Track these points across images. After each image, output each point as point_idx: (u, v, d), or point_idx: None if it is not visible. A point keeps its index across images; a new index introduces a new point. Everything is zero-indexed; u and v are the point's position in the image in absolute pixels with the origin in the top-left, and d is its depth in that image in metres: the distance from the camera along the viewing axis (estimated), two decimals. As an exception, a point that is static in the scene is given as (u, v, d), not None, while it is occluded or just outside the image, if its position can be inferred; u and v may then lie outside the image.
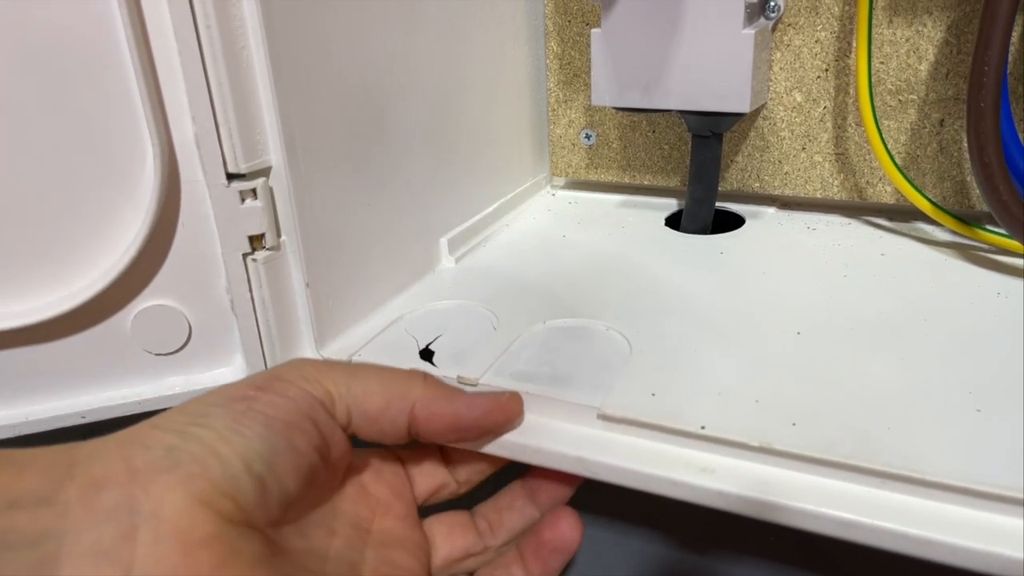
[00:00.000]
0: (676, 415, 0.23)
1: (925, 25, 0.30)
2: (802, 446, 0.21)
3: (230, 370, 0.28)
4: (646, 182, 0.38)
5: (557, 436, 0.23)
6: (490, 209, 0.37)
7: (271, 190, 0.26)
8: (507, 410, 0.23)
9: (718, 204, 0.36)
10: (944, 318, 0.27)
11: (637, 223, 0.36)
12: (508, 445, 0.24)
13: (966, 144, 0.31)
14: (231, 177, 0.25)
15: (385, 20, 0.29)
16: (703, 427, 0.22)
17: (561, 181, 0.41)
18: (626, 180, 0.39)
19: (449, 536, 0.24)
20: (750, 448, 0.21)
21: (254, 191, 0.25)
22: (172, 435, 0.18)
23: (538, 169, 0.41)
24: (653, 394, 0.24)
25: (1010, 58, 0.28)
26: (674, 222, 0.36)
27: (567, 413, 0.24)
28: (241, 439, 0.18)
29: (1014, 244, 0.29)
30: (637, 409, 0.23)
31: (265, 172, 0.26)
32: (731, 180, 0.36)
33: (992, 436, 0.21)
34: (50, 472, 0.16)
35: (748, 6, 0.30)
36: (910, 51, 0.31)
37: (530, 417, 0.24)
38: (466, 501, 0.26)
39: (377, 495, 0.23)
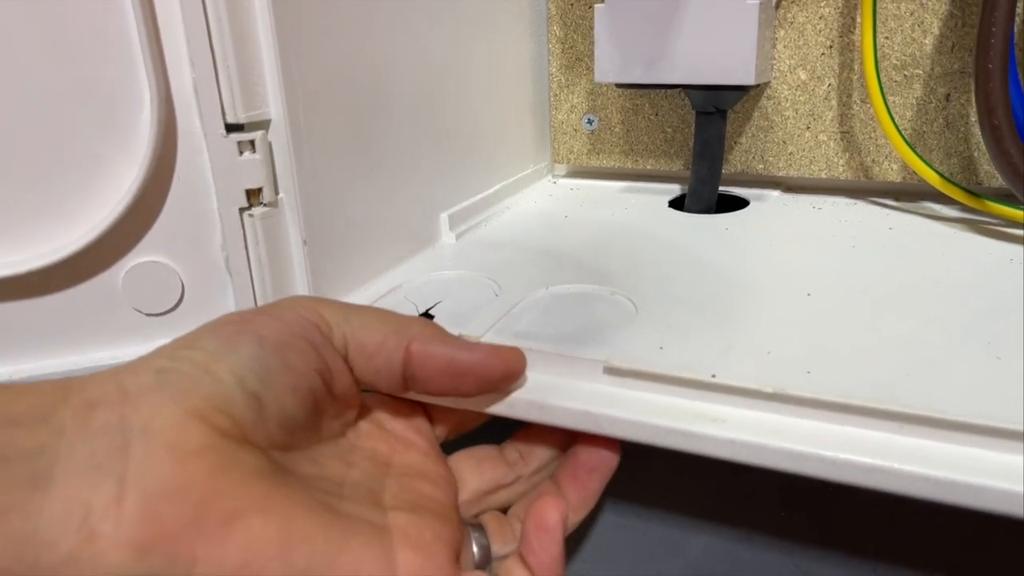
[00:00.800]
0: (685, 366, 0.22)
1: (930, -2, 0.30)
2: (818, 391, 0.20)
3: (223, 333, 0.27)
4: (649, 167, 0.38)
5: (562, 392, 0.22)
6: (491, 190, 0.36)
7: (270, 145, 0.25)
8: (507, 361, 0.22)
9: (721, 188, 0.35)
10: (957, 281, 0.26)
11: (640, 205, 0.36)
12: (512, 402, 0.23)
13: (974, 116, 0.30)
14: (230, 128, 0.24)
15: (388, -14, 0.29)
16: (713, 375, 0.21)
17: (563, 169, 0.41)
18: (629, 165, 0.38)
19: (477, 469, 0.23)
20: (763, 395, 0.21)
21: (252, 143, 0.25)
22: (163, 359, 0.18)
23: (540, 156, 0.40)
24: (661, 347, 0.23)
25: (1016, 28, 0.28)
26: (678, 205, 0.35)
27: (572, 368, 0.23)
28: (234, 356, 0.18)
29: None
30: (645, 362, 0.22)
31: (264, 125, 0.25)
32: (735, 162, 0.36)
33: (1016, 379, 0.20)
34: (46, 397, 0.16)
35: (753, -24, 0.30)
36: (915, 25, 0.31)
37: (534, 375, 0.23)
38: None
39: (395, 432, 0.22)
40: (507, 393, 0.22)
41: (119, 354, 0.26)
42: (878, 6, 0.31)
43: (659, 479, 0.33)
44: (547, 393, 0.22)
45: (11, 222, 0.24)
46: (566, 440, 0.24)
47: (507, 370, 0.22)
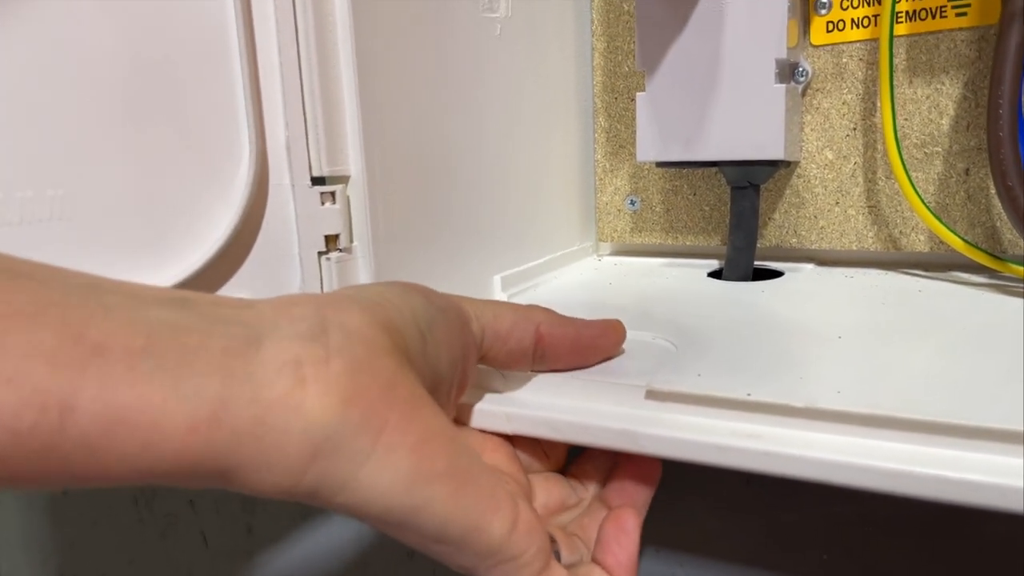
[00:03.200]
0: (722, 387, 0.23)
1: (943, 83, 0.33)
2: (846, 404, 0.22)
3: (295, 368, 0.29)
4: (688, 243, 0.40)
5: (605, 415, 0.24)
6: (540, 261, 0.39)
7: (348, 197, 0.29)
8: (617, 330, 0.27)
9: (757, 262, 0.37)
10: (985, 329, 0.28)
11: (680, 275, 0.38)
12: (559, 426, 0.24)
13: (992, 188, 0.33)
14: (315, 181, 0.28)
15: (459, 75, 0.33)
16: (749, 394, 0.23)
17: (607, 248, 0.44)
18: (670, 242, 0.41)
19: (545, 485, 0.26)
20: (795, 411, 0.22)
21: (333, 195, 0.28)
22: (351, 290, 0.21)
23: (586, 236, 0.43)
24: (699, 375, 0.25)
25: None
26: (716, 276, 0.38)
27: (615, 395, 0.25)
28: (408, 298, 0.21)
29: (1048, 277, 0.30)
30: (684, 385, 0.24)
31: (344, 180, 0.29)
32: (770, 237, 0.38)
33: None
34: (245, 299, 0.19)
35: (778, 63, 0.33)
36: (931, 107, 0.33)
37: (578, 403, 0.25)
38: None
39: (483, 435, 0.25)
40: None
41: (201, 384, 0.29)
42: (896, 92, 0.34)
43: (700, 526, 0.34)
44: (590, 416, 0.24)
45: (121, 256, 0.28)
46: (613, 468, 0.26)
47: (618, 339, 0.27)
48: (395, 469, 0.18)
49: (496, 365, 0.25)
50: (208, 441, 0.16)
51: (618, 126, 0.41)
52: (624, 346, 0.28)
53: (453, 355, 0.22)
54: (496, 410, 0.26)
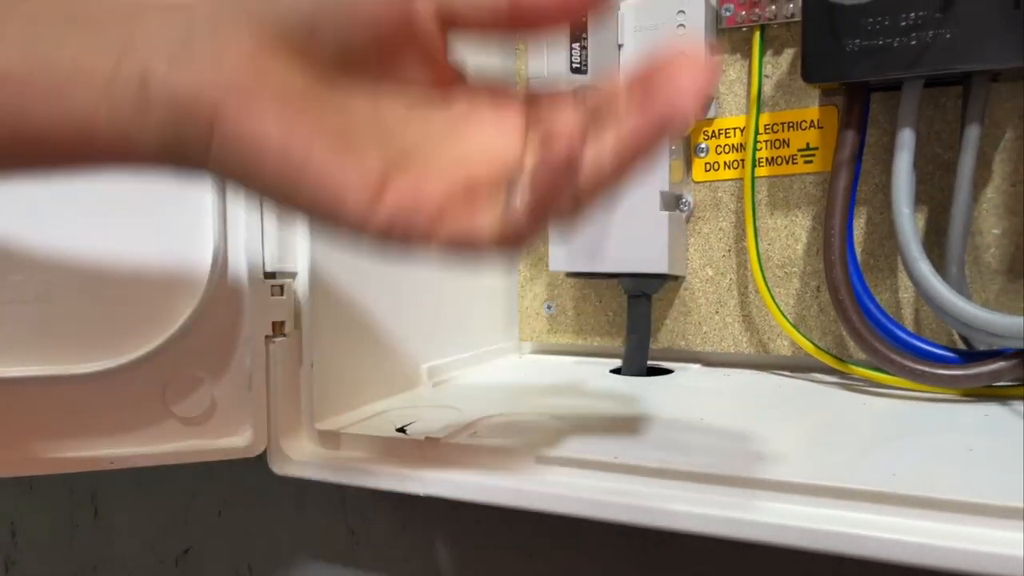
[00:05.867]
0: (596, 452, 0.28)
1: (797, 216, 0.40)
2: (694, 466, 0.27)
3: (240, 438, 0.34)
4: (595, 343, 0.46)
5: (503, 476, 0.29)
6: (467, 355, 0.45)
7: (295, 291, 0.34)
8: None
9: (651, 361, 0.43)
10: (830, 416, 0.33)
11: (587, 371, 0.44)
12: (465, 486, 0.29)
13: (836, 301, 0.39)
14: (267, 275, 0.33)
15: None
16: (616, 457, 0.28)
17: (528, 347, 0.49)
18: (579, 342, 0.47)
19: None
20: (650, 471, 0.27)
21: (282, 288, 0.33)
22: None
23: (509, 335, 0.49)
24: (580, 443, 0.30)
25: (858, 226, 0.38)
26: (617, 372, 0.43)
27: (511, 460, 0.30)
28: None
29: (883, 377, 0.36)
30: (564, 451, 0.29)
31: (292, 275, 0.34)
32: (662, 340, 0.44)
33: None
34: None
35: (662, 195, 0.40)
36: (788, 235, 0.41)
37: (482, 468, 0.30)
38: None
39: (489, 117, 0.22)
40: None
41: (154, 449, 0.33)
42: (759, 222, 0.41)
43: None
44: (492, 477, 0.29)
45: (94, 333, 0.32)
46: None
47: None
48: (256, 127, 0.19)
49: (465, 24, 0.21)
50: (110, 95, 0.19)
51: (537, 242, 0.47)
52: (519, 422, 0.33)
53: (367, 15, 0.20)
54: (412, 474, 0.30)
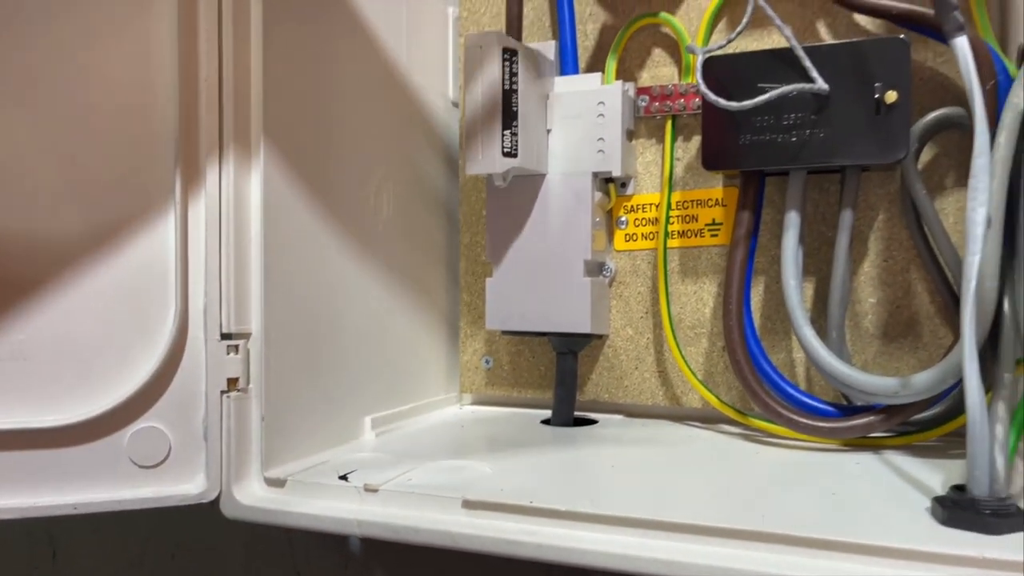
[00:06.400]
0: (516, 497, 0.32)
1: (704, 282, 0.45)
2: (597, 508, 0.31)
3: (194, 485, 0.37)
4: (528, 395, 0.50)
5: (433, 520, 0.33)
6: (409, 406, 0.48)
7: (249, 350, 0.38)
8: None
9: (578, 412, 0.47)
10: (732, 464, 0.38)
11: (520, 421, 0.48)
12: (398, 529, 0.33)
13: (738, 360, 0.44)
14: (223, 336, 0.37)
15: (347, 260, 0.43)
16: (531, 501, 0.32)
17: (468, 398, 0.53)
18: (515, 394, 0.51)
19: None
20: (559, 513, 0.31)
21: (237, 347, 0.37)
22: None
23: (450, 388, 0.53)
24: (502, 489, 0.34)
25: (757, 294, 0.43)
26: (547, 423, 0.47)
27: (441, 504, 0.33)
28: None
29: (776, 428, 0.41)
30: (490, 496, 0.33)
31: (247, 336, 0.37)
32: (588, 392, 0.48)
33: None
34: None
35: (585, 263, 0.45)
36: (697, 299, 0.45)
37: (411, 511, 0.33)
38: None
39: None
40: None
41: (115, 496, 0.36)
42: (671, 287, 0.46)
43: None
44: (422, 521, 0.33)
45: (64, 388, 0.35)
46: None
47: None
48: None
49: None
50: None
51: (477, 301, 0.52)
52: (459, 469, 0.37)
53: None
54: (352, 519, 0.34)
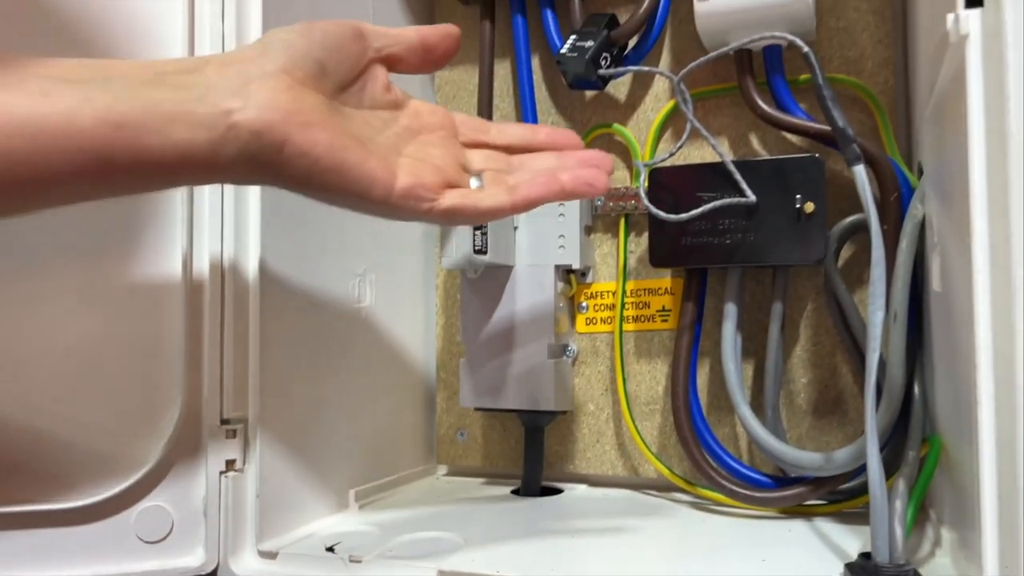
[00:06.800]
0: (486, 566, 0.36)
1: (657, 363, 0.50)
2: (535, 572, 0.35)
3: (194, 558, 0.41)
4: (500, 467, 0.55)
5: (410, 588, 0.37)
6: (390, 478, 0.52)
7: (246, 434, 0.42)
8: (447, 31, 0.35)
9: (545, 482, 0.52)
10: (680, 528, 0.42)
11: (491, 491, 0.52)
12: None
13: (688, 434, 0.49)
14: (223, 421, 0.41)
15: (333, 346, 0.48)
16: (497, 571, 0.36)
17: (444, 469, 0.57)
18: (487, 466, 0.55)
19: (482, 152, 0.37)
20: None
21: (235, 431, 0.41)
22: (264, 38, 0.31)
23: (428, 460, 0.57)
24: (472, 560, 0.38)
25: (704, 373, 0.48)
26: (517, 492, 0.52)
27: (416, 573, 0.37)
28: (303, 41, 0.31)
29: (720, 497, 0.46)
30: (461, 566, 0.37)
31: (244, 421, 0.42)
32: (554, 464, 0.53)
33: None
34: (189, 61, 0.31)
35: (549, 346, 0.50)
36: (651, 378, 0.50)
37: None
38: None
39: (430, 124, 0.35)
40: None
41: (121, 570, 0.39)
42: (627, 367, 0.51)
43: None
44: (400, 589, 0.37)
45: (83, 473, 0.39)
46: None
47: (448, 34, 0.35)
48: (312, 143, 0.29)
49: (401, 67, 0.35)
50: (205, 129, 0.28)
51: (452, 379, 0.56)
52: (434, 541, 0.41)
53: (343, 56, 0.32)
54: (337, 586, 0.38)
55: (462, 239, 0.47)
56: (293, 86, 0.29)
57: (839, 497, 0.44)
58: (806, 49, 0.40)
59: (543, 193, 0.34)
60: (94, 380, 0.39)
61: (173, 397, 0.40)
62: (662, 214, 0.42)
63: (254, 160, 0.29)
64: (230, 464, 0.41)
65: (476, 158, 0.36)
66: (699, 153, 0.50)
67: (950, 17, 0.29)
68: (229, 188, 0.41)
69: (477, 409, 0.53)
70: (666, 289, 0.50)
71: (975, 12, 0.28)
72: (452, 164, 0.34)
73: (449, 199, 0.32)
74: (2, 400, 0.38)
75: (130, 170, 0.27)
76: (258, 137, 0.28)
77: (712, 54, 0.42)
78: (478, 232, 0.47)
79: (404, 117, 0.35)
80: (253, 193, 0.42)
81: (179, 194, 0.41)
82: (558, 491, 0.52)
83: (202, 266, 0.41)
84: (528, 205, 0.34)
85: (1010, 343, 0.25)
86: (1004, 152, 0.25)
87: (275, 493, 0.43)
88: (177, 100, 0.27)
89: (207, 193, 0.42)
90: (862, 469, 0.42)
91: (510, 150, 0.37)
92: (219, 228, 0.42)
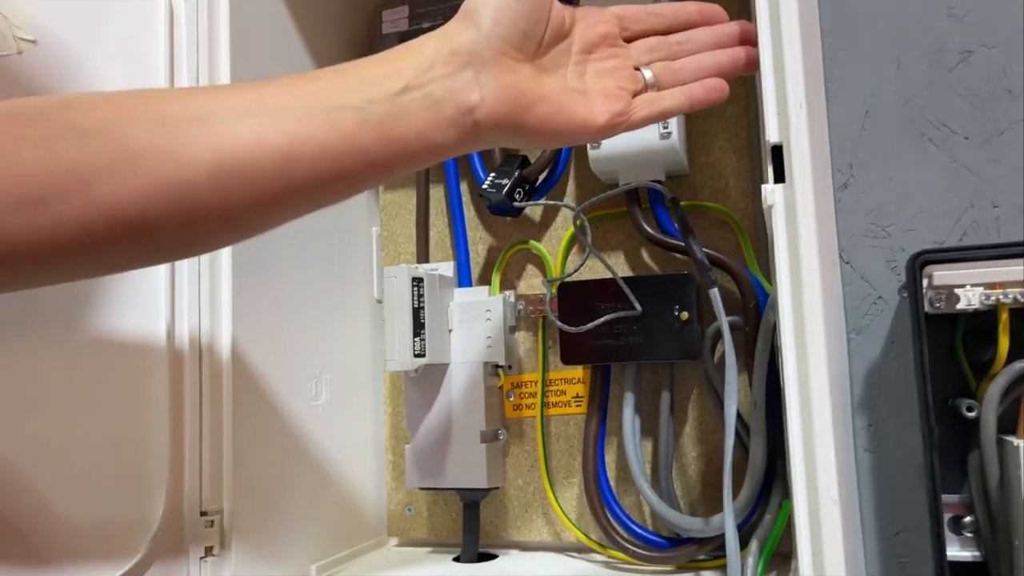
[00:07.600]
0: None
1: (572, 442, 0.59)
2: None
3: (177, 634, 0.47)
4: (443, 537, 0.63)
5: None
6: (347, 552, 0.60)
7: (222, 523, 0.49)
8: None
9: (482, 548, 0.60)
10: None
11: (435, 559, 0.60)
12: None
13: (600, 503, 0.57)
14: (202, 513, 0.48)
15: (292, 442, 0.56)
16: (435, 631, 0.44)
17: (395, 541, 0.65)
18: (432, 537, 0.63)
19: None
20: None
21: (212, 522, 0.49)
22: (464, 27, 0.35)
23: (379, 532, 0.65)
24: (415, 622, 0.46)
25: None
26: (458, 559, 0.60)
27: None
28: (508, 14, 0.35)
29: (627, 557, 0.54)
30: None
31: (220, 512, 0.49)
32: (489, 532, 0.61)
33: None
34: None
35: (481, 432, 0.58)
36: (568, 455, 0.59)
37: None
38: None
39: (597, 36, 0.39)
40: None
41: (115, 646, 0.46)
42: (550, 447, 0.59)
43: None
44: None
45: (78, 561, 0.46)
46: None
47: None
48: (538, 121, 0.35)
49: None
50: (455, 127, 0.34)
51: (400, 461, 0.64)
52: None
53: (544, 21, 0.36)
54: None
55: (403, 346, 0.56)
56: (513, 67, 0.34)
57: (722, 553, 0.53)
58: (672, 196, 0.50)
59: (712, 97, 0.39)
60: (90, 482, 0.47)
61: (158, 494, 0.48)
62: (565, 327, 0.52)
63: (494, 141, 0.36)
64: (209, 550, 0.48)
65: (642, 50, 0.40)
66: (602, 266, 0.60)
67: (764, 188, 0.39)
68: (205, 282, 0.49)
69: (421, 488, 0.61)
70: (579, 379, 0.60)
71: (779, 187, 0.38)
72: (628, 74, 0.39)
73: (639, 112, 0.38)
74: (2, 503, 0.45)
75: (388, 167, 0.33)
76: (496, 129, 0.34)
77: (603, 195, 0.53)
78: (417, 339, 0.56)
79: (577, 37, 0.38)
80: (226, 273, 0.50)
81: (162, 283, 0.49)
82: (493, 556, 0.60)
83: (182, 358, 0.49)
84: (702, 105, 0.39)
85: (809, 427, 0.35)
86: (799, 287, 0.35)
87: (248, 572, 0.50)
88: (427, 105, 0.33)
89: (186, 285, 0.49)
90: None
91: (668, 31, 0.41)
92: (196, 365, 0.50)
